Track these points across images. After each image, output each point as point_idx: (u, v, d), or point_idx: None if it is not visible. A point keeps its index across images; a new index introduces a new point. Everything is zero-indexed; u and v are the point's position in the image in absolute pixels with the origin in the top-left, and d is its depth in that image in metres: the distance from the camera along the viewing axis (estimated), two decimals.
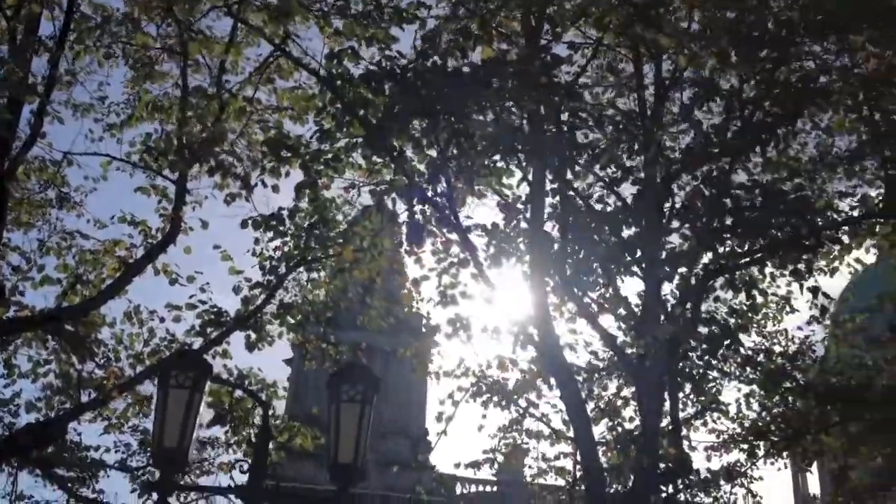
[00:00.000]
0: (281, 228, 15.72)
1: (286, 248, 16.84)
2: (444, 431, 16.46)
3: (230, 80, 15.72)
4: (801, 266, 12.95)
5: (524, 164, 13.23)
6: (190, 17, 15.90)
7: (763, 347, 21.66)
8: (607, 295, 15.00)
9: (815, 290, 13.59)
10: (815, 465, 22.98)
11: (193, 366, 9.92)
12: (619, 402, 18.31)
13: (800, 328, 21.39)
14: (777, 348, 21.60)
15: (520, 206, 13.69)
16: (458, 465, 21.76)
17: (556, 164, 12.92)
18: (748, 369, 20.95)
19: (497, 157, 12.87)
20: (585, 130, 12.98)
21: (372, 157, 13.05)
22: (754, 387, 20.60)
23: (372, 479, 48.24)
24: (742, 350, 20.71)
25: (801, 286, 13.39)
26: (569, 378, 15.19)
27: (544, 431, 18.94)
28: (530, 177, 13.55)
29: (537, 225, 13.80)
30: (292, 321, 18.14)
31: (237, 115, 14.07)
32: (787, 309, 20.34)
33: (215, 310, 16.87)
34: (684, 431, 20.62)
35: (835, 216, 13.55)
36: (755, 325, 21.60)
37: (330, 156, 13.37)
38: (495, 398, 18.36)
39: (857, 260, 19.02)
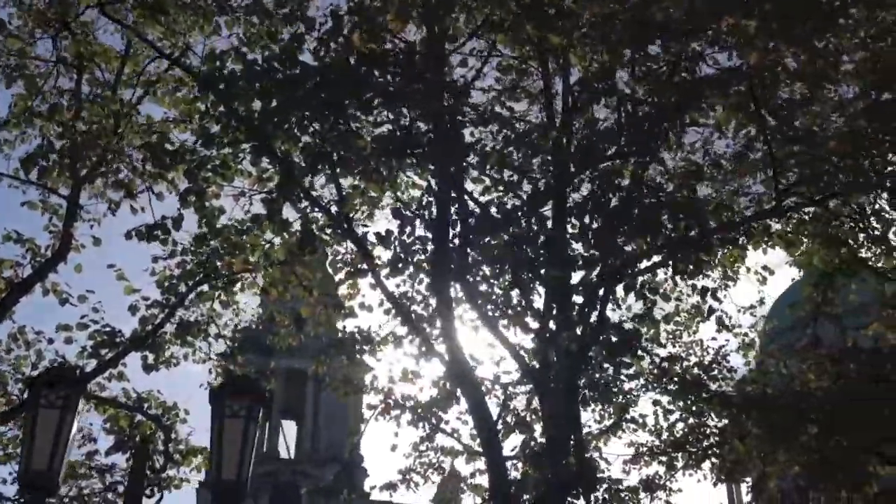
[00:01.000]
0: (169, 240, 15.14)
1: (187, 267, 16.26)
2: (351, 452, 15.84)
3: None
4: (691, 266, 12.76)
5: (417, 168, 12.87)
6: (85, 30, 15.49)
7: (679, 357, 21.67)
8: (512, 303, 14.66)
9: (703, 291, 13.43)
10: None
11: (65, 384, 9.38)
12: (530, 415, 17.96)
13: (713, 338, 21.42)
14: (693, 358, 21.66)
15: (413, 212, 13.30)
16: (373, 488, 21.19)
17: (450, 167, 12.59)
18: (664, 380, 20.89)
19: (386, 159, 12.47)
20: (472, 130, 12.69)
21: (260, 164, 12.56)
22: (668, 398, 20.45)
23: None
24: (655, 360, 20.80)
25: (695, 288, 13.22)
26: (475, 390, 14.84)
27: (457, 447, 18.44)
28: (423, 182, 13.21)
29: (440, 232, 13.46)
30: (193, 341, 17.45)
31: (123, 121, 13.52)
32: (699, 318, 20.34)
33: (108, 330, 16.15)
34: (600, 444, 20.48)
35: (730, 216, 13.40)
36: (671, 336, 21.65)
37: (217, 162, 12.89)
38: (405, 415, 17.88)
39: (765, 267, 19.10)
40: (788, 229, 14.13)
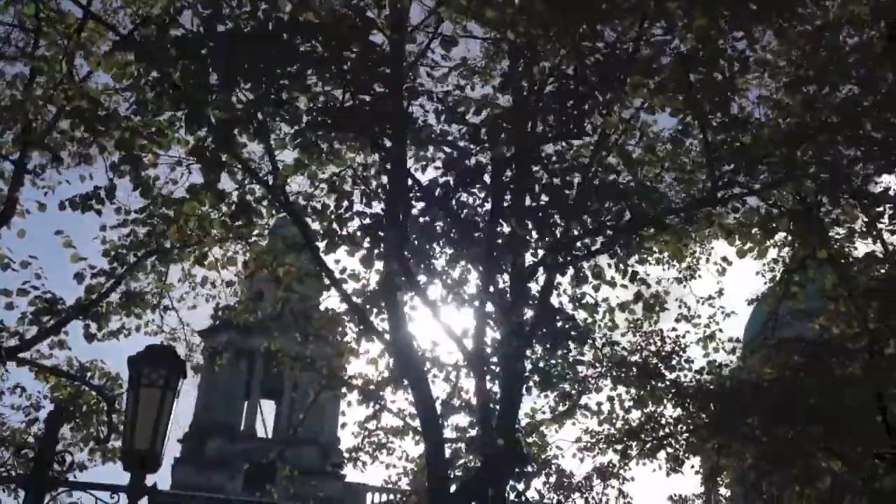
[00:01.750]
0: (122, 209, 14.96)
1: (138, 237, 16.07)
2: (296, 429, 15.69)
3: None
4: (619, 250, 12.60)
5: (356, 141, 12.65)
6: None
7: (639, 347, 21.59)
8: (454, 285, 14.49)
9: (633, 275, 13.27)
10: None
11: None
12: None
13: (674, 329, 21.32)
14: (652, 348, 21.57)
15: (350, 187, 13.11)
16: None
17: (388, 142, 12.40)
18: (622, 369, 20.80)
19: (324, 132, 12.27)
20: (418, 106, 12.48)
21: (197, 132, 12.34)
22: (624, 387, 20.36)
23: (280, 488, 47.31)
24: (614, 349, 20.71)
25: (624, 272, 13.06)
26: (415, 370, 14.66)
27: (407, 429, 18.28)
28: (361, 158, 13.02)
29: (388, 209, 13.23)
30: (140, 312, 17.29)
31: (51, 83, 13.32)
32: (657, 308, 20.21)
33: (49, 297, 15.96)
34: (549, 430, 20.40)
35: (665, 204, 13.21)
36: (631, 325, 21.54)
37: (153, 129, 12.69)
38: (353, 394, 17.72)
39: (724, 258, 18.94)
40: (730, 220, 13.93)
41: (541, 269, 14.13)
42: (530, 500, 15.33)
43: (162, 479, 57.90)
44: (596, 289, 14.43)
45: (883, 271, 14.43)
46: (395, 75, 12.51)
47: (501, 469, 13.27)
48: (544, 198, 12.92)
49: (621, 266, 13.35)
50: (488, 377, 15.03)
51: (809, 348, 15.17)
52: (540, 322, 14.42)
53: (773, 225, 13.38)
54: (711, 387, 18.32)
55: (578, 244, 13.64)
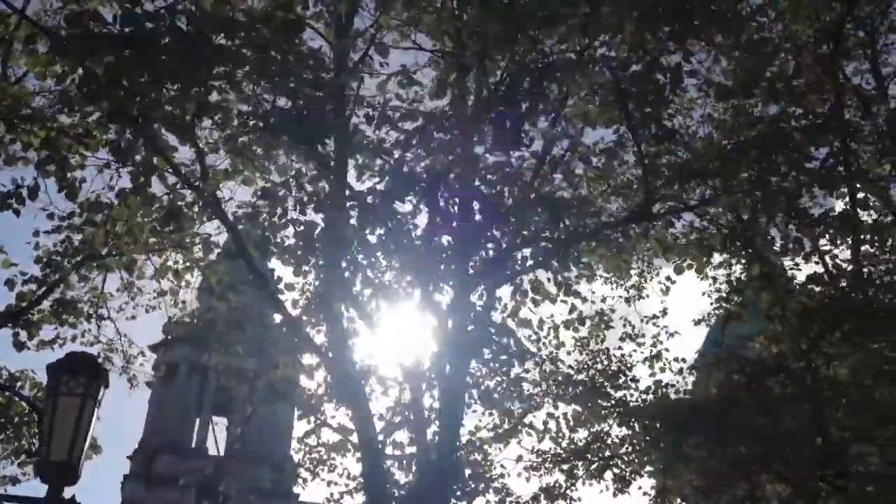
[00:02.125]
0: (56, 215, 14.54)
1: (70, 244, 15.64)
2: (233, 444, 15.29)
3: None
4: (556, 263, 12.41)
5: (288, 148, 12.36)
6: None
7: (585, 366, 21.40)
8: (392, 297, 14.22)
9: (568, 288, 13.09)
10: None
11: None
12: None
13: (619, 347, 21.18)
14: (599, 366, 21.39)
15: (283, 194, 12.81)
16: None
17: (325, 150, 12.14)
18: (568, 387, 20.59)
19: (259, 137, 11.98)
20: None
21: (125, 133, 11.99)
22: (570, 405, 20.17)
23: None
24: (558, 366, 20.51)
25: (563, 286, 12.88)
26: (353, 385, 14.35)
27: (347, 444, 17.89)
28: (295, 164, 12.72)
29: (331, 218, 12.94)
30: (74, 321, 16.82)
31: None
32: (602, 326, 20.10)
33: None
34: (493, 448, 20.12)
35: (598, 217, 13.07)
36: (578, 343, 21.37)
37: (80, 130, 12.33)
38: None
39: (668, 278, 18.87)
40: (666, 237, 13.80)
41: (481, 285, 13.95)
42: None
43: (112, 495, 56.91)
44: (535, 303, 14.22)
45: (823, 291, 14.34)
46: (337, 82, 12.31)
47: (438, 486, 12.99)
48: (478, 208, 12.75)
49: (559, 279, 13.16)
50: (428, 393, 14.79)
51: (749, 368, 15.03)
52: (480, 338, 14.20)
53: (706, 243, 13.25)
54: (654, 406, 18.12)
55: (517, 256, 13.47)
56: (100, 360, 18.86)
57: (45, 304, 16.41)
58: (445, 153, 11.57)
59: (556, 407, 20.25)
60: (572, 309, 14.03)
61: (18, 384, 17.17)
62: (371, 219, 12.57)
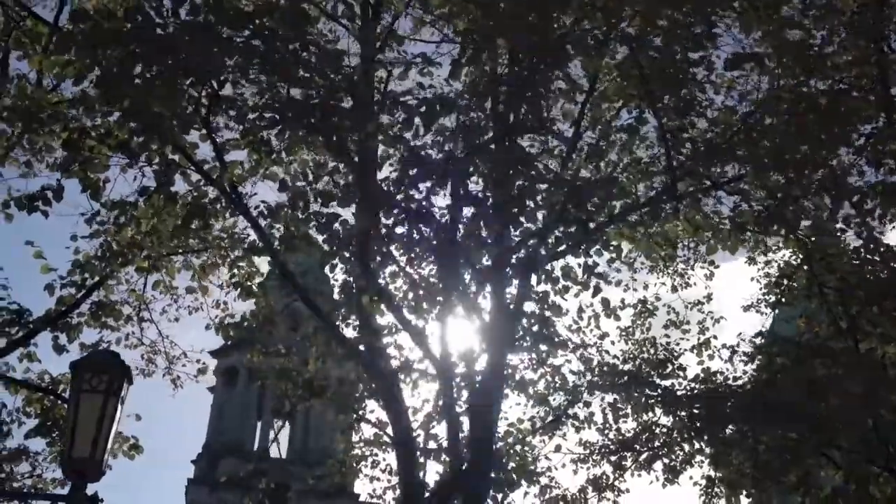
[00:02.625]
0: (94, 222, 14.65)
1: (109, 248, 15.77)
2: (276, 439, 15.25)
3: None
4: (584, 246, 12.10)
5: (307, 140, 12.28)
6: None
7: (632, 356, 21.02)
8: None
9: (587, 268, 12.76)
10: None
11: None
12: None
13: (666, 336, 20.75)
14: (645, 356, 20.99)
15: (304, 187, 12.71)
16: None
17: (343, 141, 12.03)
18: (615, 377, 20.23)
19: (280, 132, 11.91)
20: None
21: (141, 133, 12.00)
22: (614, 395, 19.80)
23: None
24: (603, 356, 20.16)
25: (580, 266, 12.56)
26: (384, 378, 14.26)
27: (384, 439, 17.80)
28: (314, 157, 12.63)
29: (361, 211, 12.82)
30: (114, 324, 16.99)
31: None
32: (645, 314, 19.74)
33: (16, 308, 15.72)
34: (538, 440, 19.84)
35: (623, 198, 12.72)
36: (623, 332, 21.00)
37: (103, 130, 12.41)
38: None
39: (711, 262, 18.37)
40: (697, 214, 13.39)
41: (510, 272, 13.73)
42: None
43: (176, 499, 57.72)
44: (565, 290, 13.94)
45: (869, 267, 13.77)
46: (364, 75, 12.23)
47: (472, 478, 12.83)
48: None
49: (588, 264, 12.86)
50: (463, 384, 14.63)
51: (793, 349, 14.55)
52: (514, 327, 14.01)
53: (739, 221, 12.83)
54: (699, 394, 17.69)
55: (547, 243, 13.21)
56: (143, 362, 19.42)
57: (85, 308, 16.58)
58: (460, 138, 11.37)
59: (601, 398, 19.92)
60: (596, 291, 13.66)
61: (61, 387, 17.37)
62: (387, 208, 12.46)
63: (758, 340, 15.38)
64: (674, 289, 19.82)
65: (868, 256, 12.83)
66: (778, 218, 12.43)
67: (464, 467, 13.44)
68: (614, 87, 11.13)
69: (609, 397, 19.90)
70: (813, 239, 13.62)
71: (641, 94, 11.03)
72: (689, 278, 19.62)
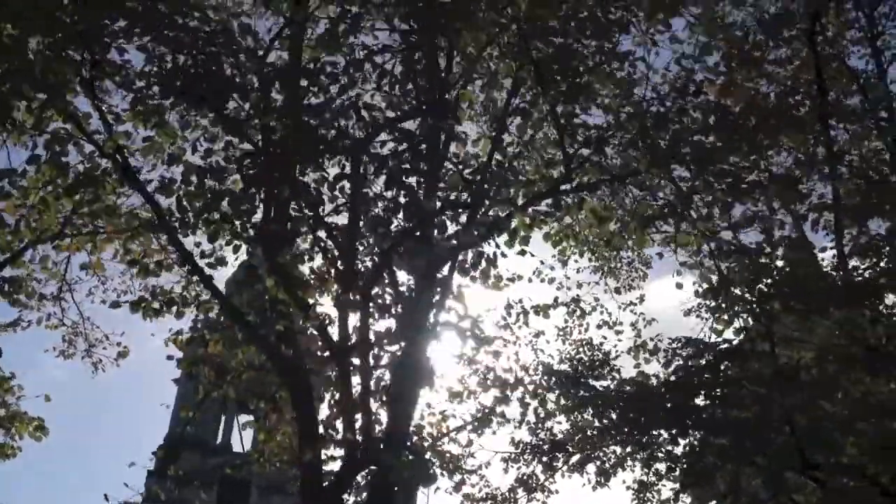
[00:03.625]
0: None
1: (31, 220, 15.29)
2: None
3: None
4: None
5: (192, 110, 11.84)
6: None
7: (568, 357, 20.65)
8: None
9: (479, 255, 12.36)
10: None
11: None
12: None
13: (603, 336, 20.37)
14: (583, 357, 20.62)
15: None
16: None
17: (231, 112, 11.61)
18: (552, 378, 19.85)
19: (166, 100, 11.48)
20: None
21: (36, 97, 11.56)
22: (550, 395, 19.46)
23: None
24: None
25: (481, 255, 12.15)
26: (287, 363, 13.87)
27: None
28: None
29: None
30: (27, 301, 16.53)
31: None
32: (578, 312, 19.40)
33: None
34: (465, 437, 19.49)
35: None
36: (561, 332, 20.63)
37: None
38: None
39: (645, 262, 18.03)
40: (601, 206, 12.96)
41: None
42: None
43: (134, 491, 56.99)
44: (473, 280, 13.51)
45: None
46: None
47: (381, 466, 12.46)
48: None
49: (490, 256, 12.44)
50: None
51: (703, 350, 14.13)
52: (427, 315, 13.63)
53: (646, 214, 12.41)
54: (627, 395, 17.26)
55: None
56: (64, 344, 18.99)
57: None
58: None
59: (533, 396, 19.56)
60: (496, 282, 13.26)
61: None
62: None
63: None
64: (618, 290, 19.53)
65: (769, 251, 12.45)
66: (678, 212, 12.00)
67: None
68: (506, 69, 10.69)
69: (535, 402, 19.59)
70: (718, 235, 13.20)
71: (529, 76, 10.58)
72: (631, 280, 19.35)
